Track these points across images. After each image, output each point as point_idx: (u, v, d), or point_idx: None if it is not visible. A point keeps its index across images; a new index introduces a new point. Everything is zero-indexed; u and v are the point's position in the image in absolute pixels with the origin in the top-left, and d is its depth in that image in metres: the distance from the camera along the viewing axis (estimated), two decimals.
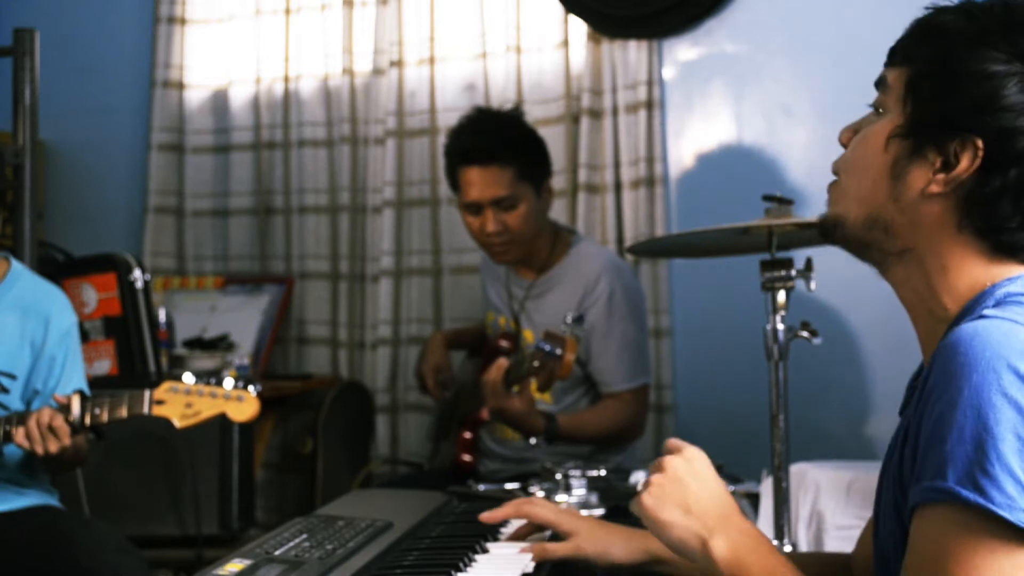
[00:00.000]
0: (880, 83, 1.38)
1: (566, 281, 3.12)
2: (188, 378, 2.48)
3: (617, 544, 1.62)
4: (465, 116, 3.21)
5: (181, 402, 2.45)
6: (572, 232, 3.26)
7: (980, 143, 1.27)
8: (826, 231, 1.42)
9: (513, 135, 3.12)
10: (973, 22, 1.30)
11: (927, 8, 1.37)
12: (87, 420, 2.44)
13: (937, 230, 1.31)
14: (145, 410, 2.45)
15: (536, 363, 2.71)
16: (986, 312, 1.21)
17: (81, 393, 2.48)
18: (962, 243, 1.30)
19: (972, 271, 1.30)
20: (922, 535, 1.15)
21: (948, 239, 1.31)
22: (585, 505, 2.44)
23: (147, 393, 2.45)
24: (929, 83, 1.31)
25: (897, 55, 1.37)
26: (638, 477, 2.66)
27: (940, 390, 1.15)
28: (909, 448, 1.22)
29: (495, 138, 3.10)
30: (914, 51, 1.34)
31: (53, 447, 2.43)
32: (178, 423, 2.45)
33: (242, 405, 2.46)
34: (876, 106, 1.38)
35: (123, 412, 2.45)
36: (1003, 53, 1.27)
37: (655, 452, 3.58)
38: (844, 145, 1.41)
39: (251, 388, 2.47)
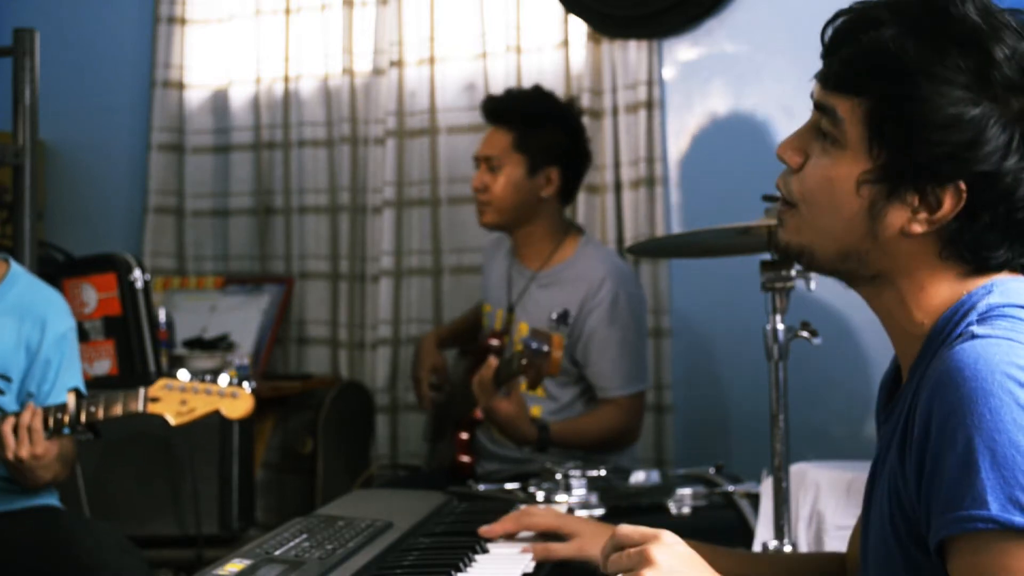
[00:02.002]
0: (827, 111, 1.29)
1: (569, 280, 3.12)
2: (183, 375, 2.48)
3: None
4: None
5: (176, 399, 2.45)
6: (581, 231, 3.26)
7: (963, 185, 1.22)
8: (791, 257, 1.37)
9: (532, 107, 3.20)
10: (927, 46, 1.22)
11: (848, 12, 1.28)
12: (83, 418, 2.44)
13: (916, 259, 1.28)
14: (140, 407, 2.45)
15: (524, 361, 2.72)
16: (976, 331, 1.19)
17: (77, 391, 2.48)
18: (942, 267, 1.27)
19: (951, 287, 1.27)
20: (970, 565, 1.13)
21: (928, 266, 1.28)
22: (585, 505, 2.44)
23: (142, 390, 2.45)
24: (898, 128, 1.23)
25: (841, 82, 1.27)
26: (638, 477, 2.66)
27: (959, 418, 1.13)
28: (911, 465, 1.20)
29: (512, 102, 3.22)
30: (865, 82, 1.25)
31: (23, 452, 2.41)
32: (173, 420, 2.44)
33: (236, 402, 2.46)
34: (825, 133, 1.29)
35: (118, 409, 2.45)
36: (972, 91, 1.21)
37: (655, 452, 3.58)
38: (786, 163, 1.34)
39: (245, 385, 2.47)
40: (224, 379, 2.47)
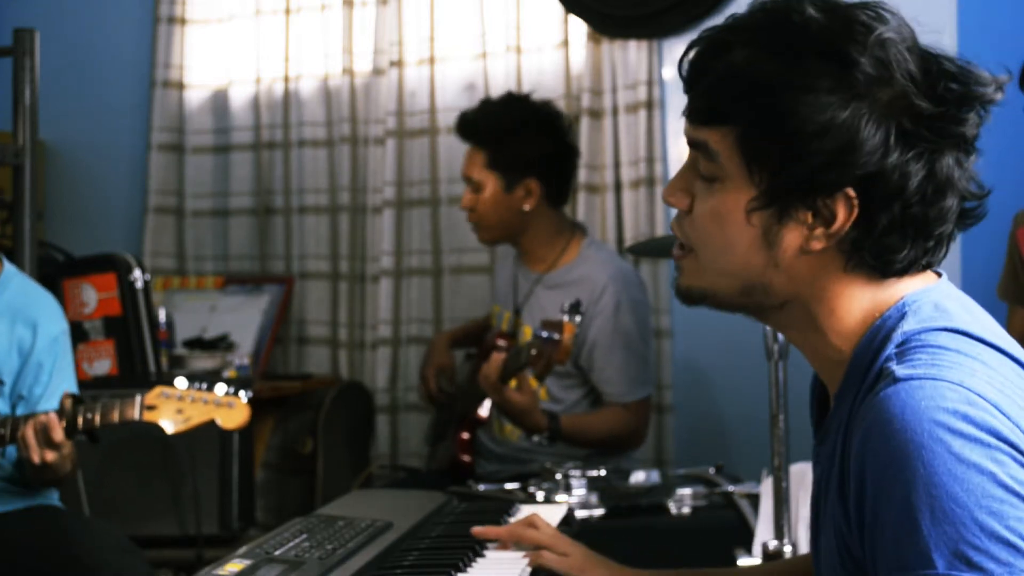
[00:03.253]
0: (698, 147, 1.25)
1: (572, 284, 3.11)
2: (180, 383, 2.47)
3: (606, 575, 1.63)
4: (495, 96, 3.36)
5: (172, 408, 2.44)
6: (584, 232, 3.25)
7: (851, 192, 1.18)
8: (693, 302, 1.31)
9: (498, 122, 3.15)
10: (781, 59, 1.19)
11: (698, 43, 1.25)
12: (80, 424, 2.44)
13: (821, 277, 1.23)
14: (136, 415, 2.44)
15: (534, 351, 2.71)
16: (897, 372, 1.14)
17: (74, 397, 2.47)
18: (848, 280, 1.23)
19: (859, 301, 1.24)
20: None
21: (834, 282, 1.23)
22: (585, 505, 2.44)
23: (138, 398, 2.44)
24: (770, 146, 1.19)
25: (706, 114, 1.24)
26: (638, 477, 2.66)
27: (893, 473, 1.10)
28: (852, 516, 1.16)
29: (481, 120, 3.18)
30: (728, 109, 1.22)
31: (49, 456, 2.42)
32: (169, 429, 2.44)
33: (232, 412, 2.45)
34: (705, 174, 1.25)
35: (115, 416, 2.45)
36: (836, 94, 1.17)
37: (655, 452, 3.58)
38: (673, 206, 1.29)
39: (242, 394, 2.46)
40: (221, 388, 2.46)
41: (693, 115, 1.26)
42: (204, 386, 2.46)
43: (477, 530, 1.72)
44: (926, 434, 1.09)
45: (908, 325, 1.20)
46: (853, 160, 1.17)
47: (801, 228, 1.22)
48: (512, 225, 3.15)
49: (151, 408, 2.44)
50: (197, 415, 2.44)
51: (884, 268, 1.23)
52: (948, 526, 1.07)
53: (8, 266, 2.72)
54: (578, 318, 2.74)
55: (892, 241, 1.21)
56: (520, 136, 3.13)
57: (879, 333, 1.21)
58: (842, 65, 1.18)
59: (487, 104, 3.28)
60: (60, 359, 2.65)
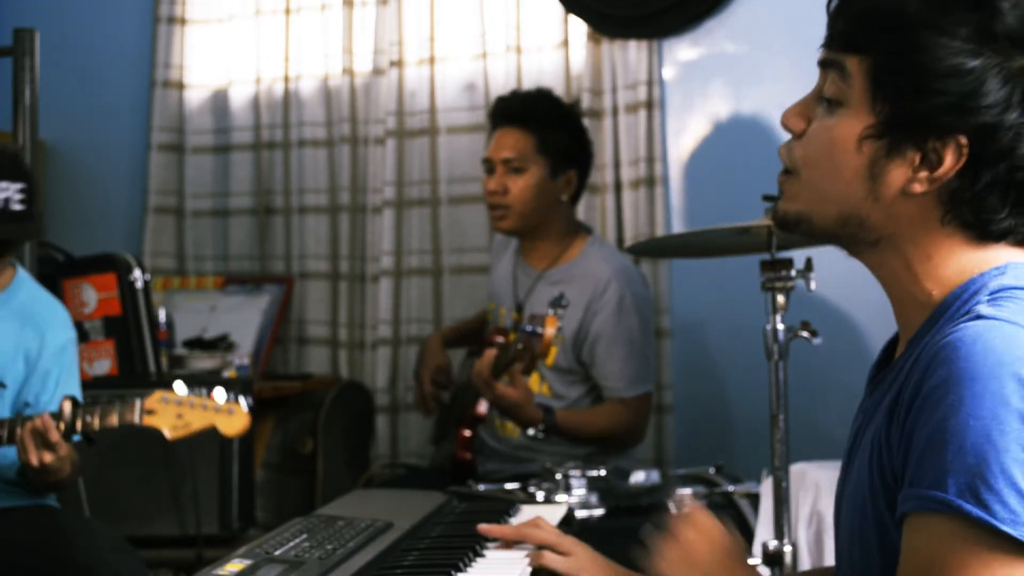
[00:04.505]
0: (834, 66, 1.28)
1: (575, 280, 3.12)
2: (180, 388, 2.47)
3: None
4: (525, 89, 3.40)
5: (172, 413, 2.44)
6: (590, 231, 3.26)
7: (964, 140, 1.21)
8: (789, 226, 1.34)
9: (550, 111, 3.20)
10: (925, 1, 1.23)
11: None
12: (78, 426, 2.44)
13: (918, 223, 1.26)
14: (136, 420, 2.44)
15: (520, 346, 2.72)
16: (983, 311, 1.17)
17: (73, 399, 2.47)
18: (945, 233, 1.26)
19: (958, 257, 1.26)
20: (917, 545, 1.12)
21: (930, 231, 1.26)
22: (585, 505, 2.44)
23: (138, 402, 2.44)
24: (899, 80, 1.23)
25: (847, 40, 1.28)
26: (638, 477, 2.66)
27: (941, 394, 1.12)
28: (896, 436, 1.18)
29: (532, 105, 3.21)
30: (869, 37, 1.25)
31: (47, 458, 2.42)
32: (168, 434, 2.44)
33: (232, 419, 2.45)
34: (830, 97, 1.28)
35: (114, 420, 2.45)
36: (973, 43, 1.20)
37: (655, 452, 3.58)
38: (790, 130, 1.33)
39: (242, 401, 2.47)
40: (221, 395, 2.46)
41: (835, 39, 1.30)
42: (204, 391, 2.47)
43: (483, 527, 1.73)
44: (988, 370, 1.11)
45: (1007, 280, 1.22)
46: (973, 108, 1.21)
47: (906, 168, 1.25)
48: (541, 213, 3.16)
49: (150, 412, 2.44)
50: (197, 421, 2.45)
51: (980, 228, 1.25)
52: (972, 457, 1.09)
53: (20, 271, 2.72)
54: (560, 311, 2.75)
55: (992, 201, 1.23)
56: (567, 126, 3.19)
57: (974, 285, 1.23)
58: (984, 16, 1.21)
59: (528, 92, 3.32)
60: (67, 366, 2.66)
